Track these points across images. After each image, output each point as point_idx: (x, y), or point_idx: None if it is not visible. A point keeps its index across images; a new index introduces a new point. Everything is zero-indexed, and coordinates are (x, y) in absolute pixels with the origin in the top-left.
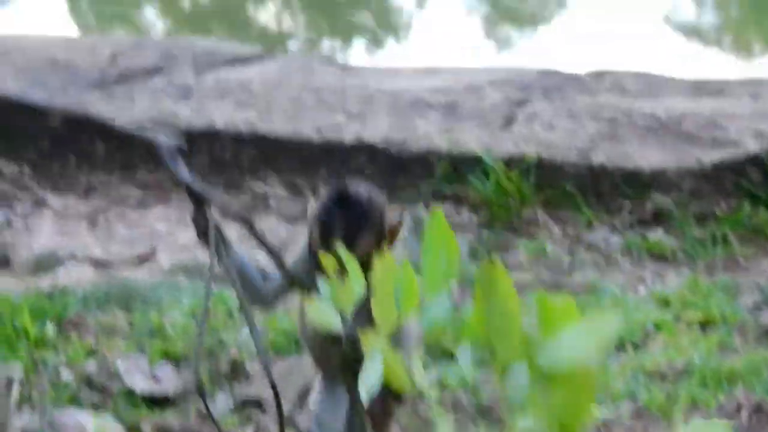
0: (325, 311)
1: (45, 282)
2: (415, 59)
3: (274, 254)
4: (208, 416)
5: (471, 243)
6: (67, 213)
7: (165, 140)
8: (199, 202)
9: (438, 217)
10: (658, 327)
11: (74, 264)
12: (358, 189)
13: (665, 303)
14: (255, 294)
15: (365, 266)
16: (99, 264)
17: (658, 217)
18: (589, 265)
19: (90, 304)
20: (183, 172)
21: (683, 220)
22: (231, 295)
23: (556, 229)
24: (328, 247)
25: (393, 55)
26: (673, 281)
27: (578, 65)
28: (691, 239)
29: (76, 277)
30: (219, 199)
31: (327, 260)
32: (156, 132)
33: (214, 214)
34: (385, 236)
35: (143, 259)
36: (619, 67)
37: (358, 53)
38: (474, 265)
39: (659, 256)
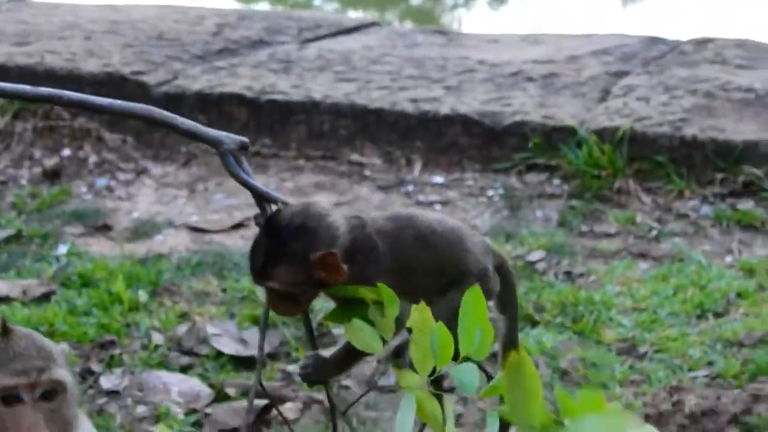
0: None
1: (142, 248)
2: (519, 25)
3: None
4: (291, 377)
5: (561, 212)
6: (167, 181)
7: (228, 141)
8: (263, 205)
9: (476, 293)
10: (740, 296)
11: (171, 231)
12: (293, 215)
13: (750, 272)
14: None
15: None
16: (195, 231)
17: (749, 189)
18: (677, 235)
19: (184, 270)
20: (244, 175)
21: None
22: None
23: (647, 199)
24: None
25: (498, 20)
26: (761, 251)
27: (683, 31)
28: None
29: (173, 243)
30: (282, 200)
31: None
32: (219, 134)
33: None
34: (312, 269)
35: (238, 227)
36: (722, 33)
37: (464, 19)
38: (564, 233)
39: (748, 227)
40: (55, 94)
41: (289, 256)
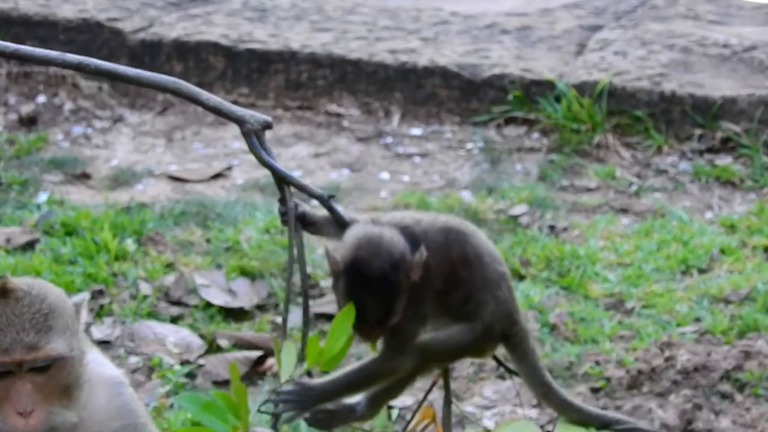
0: None
1: (123, 197)
2: None
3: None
4: (282, 329)
5: (541, 166)
6: (144, 130)
7: (252, 120)
8: (282, 185)
9: (347, 314)
10: (723, 252)
11: (151, 180)
12: (370, 256)
13: (732, 228)
14: None
15: None
16: (175, 180)
17: (727, 145)
18: (657, 190)
19: (167, 220)
20: (266, 155)
21: (752, 147)
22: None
23: (626, 154)
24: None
25: None
26: (740, 207)
27: None
28: (760, 166)
29: (153, 193)
30: (297, 182)
31: None
32: (243, 112)
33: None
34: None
35: (218, 177)
36: None
37: None
38: (545, 187)
39: (727, 183)
40: (83, 61)
41: (394, 291)
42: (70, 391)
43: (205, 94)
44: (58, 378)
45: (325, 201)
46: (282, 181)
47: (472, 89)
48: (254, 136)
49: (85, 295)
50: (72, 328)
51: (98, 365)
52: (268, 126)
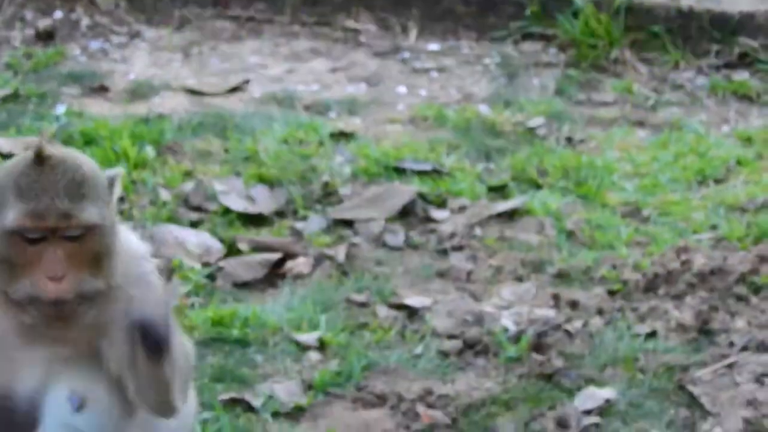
0: None
1: (141, 109)
2: None
3: None
4: (301, 234)
5: (558, 81)
6: (161, 45)
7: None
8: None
9: None
10: (740, 163)
11: (169, 93)
12: None
13: (748, 141)
14: None
15: None
16: (193, 93)
17: (744, 60)
18: (674, 104)
19: (185, 131)
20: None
21: None
22: (322, 124)
23: (643, 70)
24: None
25: None
26: (757, 121)
27: None
28: None
29: (171, 105)
30: None
31: None
32: None
33: None
34: None
35: (235, 90)
36: None
37: None
38: (562, 101)
39: (743, 97)
40: None
41: None
42: (100, 260)
43: None
44: (89, 246)
45: None
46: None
47: (490, 5)
48: None
49: (120, 170)
50: (105, 198)
51: (125, 237)
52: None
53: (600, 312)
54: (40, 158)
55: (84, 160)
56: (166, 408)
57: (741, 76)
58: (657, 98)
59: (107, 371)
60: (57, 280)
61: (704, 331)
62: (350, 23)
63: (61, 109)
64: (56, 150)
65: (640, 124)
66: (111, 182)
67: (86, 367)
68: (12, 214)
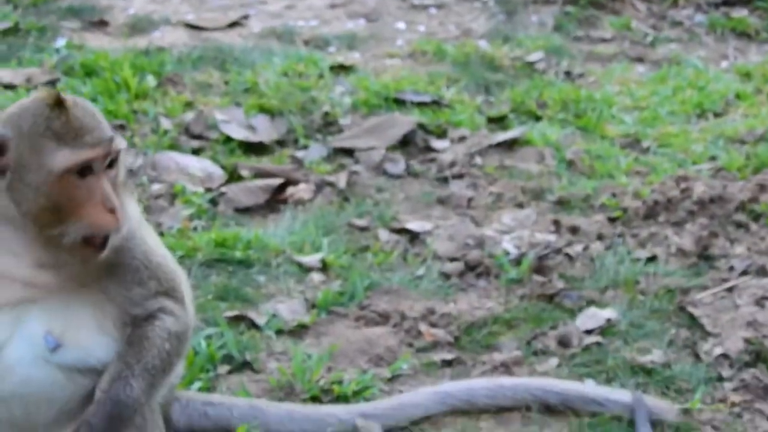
0: None
1: (141, 42)
2: None
3: None
4: (301, 162)
5: (557, 17)
6: None
7: None
8: None
9: None
10: (738, 97)
11: (168, 28)
12: None
13: (746, 76)
14: None
15: None
16: (192, 28)
17: None
18: (673, 41)
19: (185, 63)
20: None
21: None
22: (322, 57)
23: (641, 7)
24: None
25: None
26: (756, 57)
27: None
28: None
29: (171, 39)
30: None
31: None
32: None
33: None
34: None
35: (234, 25)
36: None
37: None
38: (561, 37)
39: (742, 34)
40: None
41: None
42: (121, 191)
43: None
44: (119, 175)
45: None
46: None
47: None
48: None
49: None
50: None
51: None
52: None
53: (600, 237)
54: (59, 101)
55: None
56: None
57: (739, 13)
58: (655, 35)
59: (89, 310)
60: (114, 211)
61: (704, 256)
62: None
63: (61, 42)
64: (67, 96)
65: (639, 59)
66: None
67: (64, 307)
68: (60, 156)
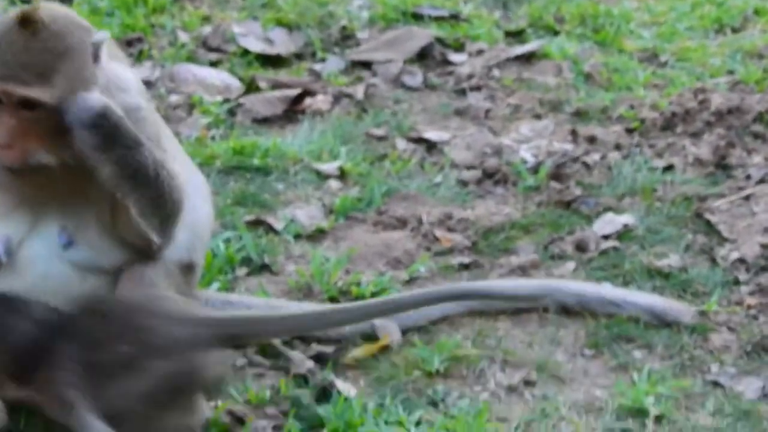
0: None
1: None
2: None
3: None
4: (319, 75)
5: None
6: None
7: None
8: None
9: None
10: (757, 12)
11: None
12: None
13: None
14: None
15: None
16: None
17: None
18: None
19: None
20: None
21: None
22: None
23: None
24: None
25: None
26: None
27: None
28: None
29: None
30: None
31: None
32: None
33: None
34: None
35: None
36: None
37: None
38: None
39: None
40: None
41: None
42: (53, 137)
43: None
44: (44, 121)
45: None
46: None
47: None
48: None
49: (106, 34)
50: (80, 74)
51: (114, 72)
52: None
53: (618, 147)
54: (25, 21)
55: (71, 30)
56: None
57: None
58: None
59: (96, 209)
60: (5, 147)
61: (721, 165)
62: None
63: None
64: (47, 14)
65: None
66: (96, 47)
67: (75, 206)
68: None
